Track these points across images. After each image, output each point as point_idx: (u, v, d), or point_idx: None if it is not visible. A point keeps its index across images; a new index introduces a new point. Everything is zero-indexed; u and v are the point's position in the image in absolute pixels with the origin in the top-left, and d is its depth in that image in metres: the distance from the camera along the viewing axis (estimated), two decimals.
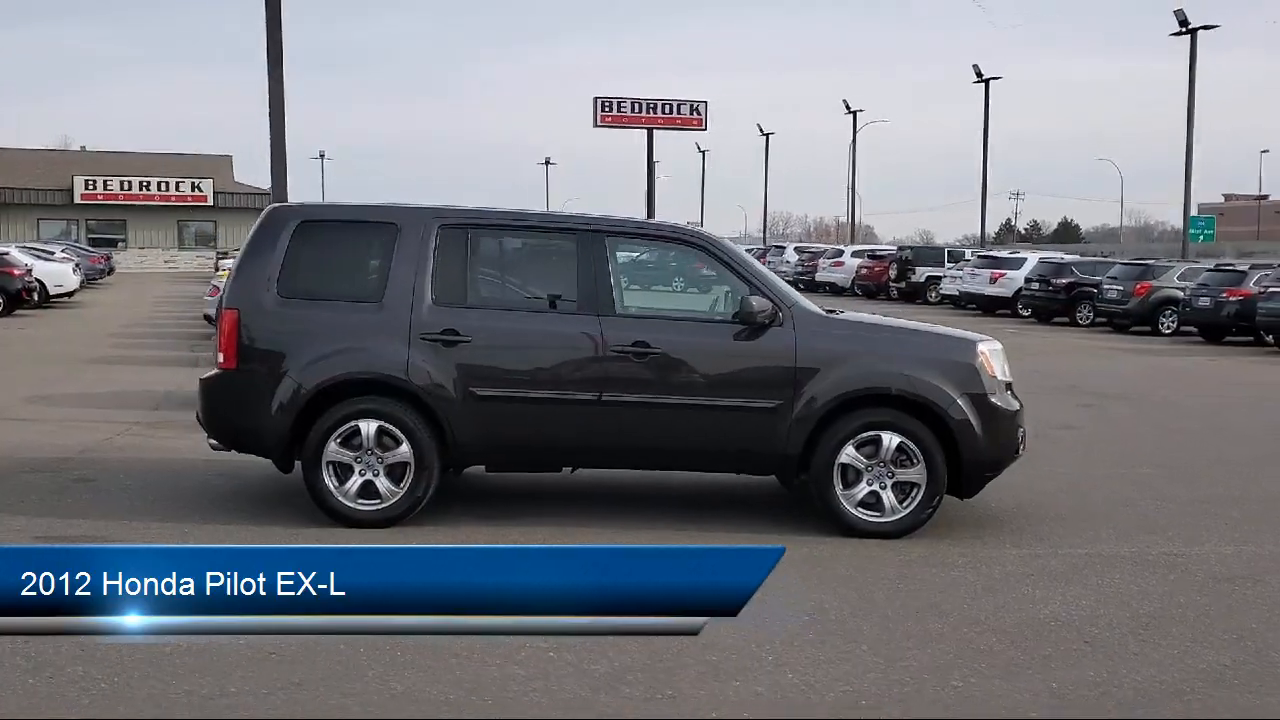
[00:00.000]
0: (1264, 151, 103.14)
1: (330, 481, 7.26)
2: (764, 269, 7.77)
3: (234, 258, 8.37)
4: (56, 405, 12.79)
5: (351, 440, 7.24)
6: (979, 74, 47.47)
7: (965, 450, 7.23)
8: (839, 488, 7.24)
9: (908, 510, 7.24)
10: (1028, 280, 30.23)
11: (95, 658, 4.89)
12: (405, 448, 7.23)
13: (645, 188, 51.63)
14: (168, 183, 56.90)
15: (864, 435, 7.23)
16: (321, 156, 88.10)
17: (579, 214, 7.91)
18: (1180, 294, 26.09)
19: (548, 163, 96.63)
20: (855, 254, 40.65)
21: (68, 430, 10.92)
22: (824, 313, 7.62)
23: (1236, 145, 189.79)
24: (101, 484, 8.49)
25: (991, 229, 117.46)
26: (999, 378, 7.43)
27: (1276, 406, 15.21)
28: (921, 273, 36.13)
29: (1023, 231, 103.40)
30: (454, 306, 7.36)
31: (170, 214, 58.04)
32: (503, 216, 7.83)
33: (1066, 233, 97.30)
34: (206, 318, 22.48)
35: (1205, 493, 8.90)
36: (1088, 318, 28.63)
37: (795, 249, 46.63)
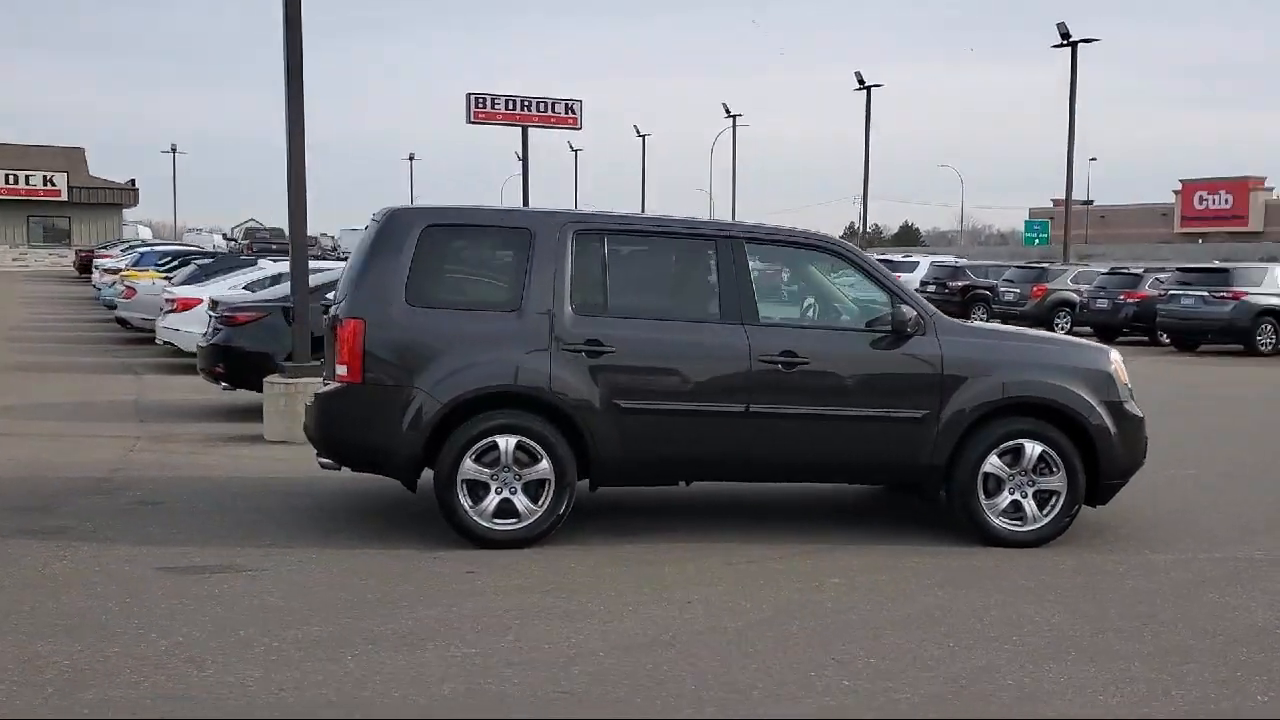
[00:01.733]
0: (1092, 159, 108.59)
1: (465, 501, 6.88)
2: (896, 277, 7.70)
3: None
4: (21, 417, 11.82)
5: (487, 457, 6.88)
6: (861, 81, 48.64)
7: (1103, 458, 7.30)
8: (982, 497, 7.23)
9: (1049, 519, 7.27)
10: (923, 283, 31.11)
11: None
12: (545, 464, 6.90)
13: (520, 185, 50.94)
14: (16, 175, 53.45)
15: (1007, 444, 7.24)
16: (173, 150, 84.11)
17: (714, 220, 7.70)
18: (1075, 296, 27.20)
19: (411, 158, 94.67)
20: None
21: (72, 446, 10.11)
22: (962, 322, 7.60)
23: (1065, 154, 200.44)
24: (172, 506, 7.86)
25: (835, 233, 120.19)
26: (1128, 384, 7.54)
27: (1218, 403, 15.89)
28: None
29: (866, 234, 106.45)
30: (595, 316, 7.06)
31: (20, 209, 54.57)
32: (638, 222, 7.54)
33: (907, 236, 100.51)
34: (121, 321, 21.27)
35: (1239, 494, 9.22)
36: (983, 320, 29.59)
37: None
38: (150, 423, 11.64)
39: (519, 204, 52.14)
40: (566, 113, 52.45)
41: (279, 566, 6.45)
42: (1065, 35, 36.66)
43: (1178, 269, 26.03)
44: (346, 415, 7.03)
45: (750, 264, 7.36)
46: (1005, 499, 7.26)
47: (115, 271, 26.33)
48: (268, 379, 10.75)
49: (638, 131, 75.79)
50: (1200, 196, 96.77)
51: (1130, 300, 25.40)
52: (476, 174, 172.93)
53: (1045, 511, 7.27)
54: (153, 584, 6.07)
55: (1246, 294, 23.18)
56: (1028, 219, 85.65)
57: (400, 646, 5.18)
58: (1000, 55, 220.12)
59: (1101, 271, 27.98)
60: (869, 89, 48.86)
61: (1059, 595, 6.24)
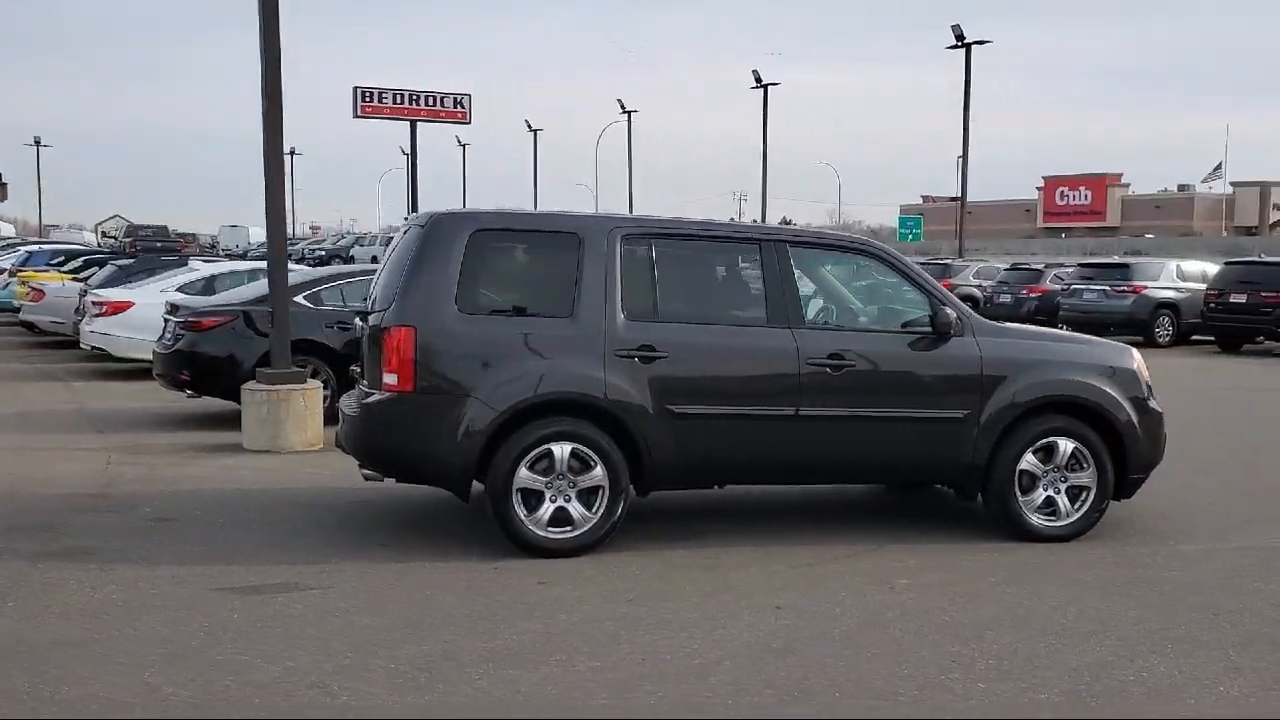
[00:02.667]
0: (959, 156, 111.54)
1: (520, 510, 6.77)
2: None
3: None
4: None
5: (540, 465, 6.78)
6: (758, 79, 49.12)
7: (1130, 453, 7.54)
8: (1019, 494, 7.40)
9: (1080, 514, 7.48)
10: None
11: None
12: (599, 471, 6.83)
13: (408, 180, 50.26)
14: None
15: (1041, 442, 7.42)
16: (37, 143, 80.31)
17: (757, 224, 7.71)
18: (978, 292, 28.00)
19: (292, 153, 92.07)
20: None
21: (40, 460, 9.62)
22: (995, 323, 7.76)
23: (935, 151, 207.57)
24: (189, 522, 7.54)
25: None
26: (1149, 382, 7.81)
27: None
28: None
29: None
30: (646, 320, 7.01)
31: None
32: (684, 226, 7.50)
33: None
34: (26, 325, 20.29)
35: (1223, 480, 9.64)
36: None
37: None
38: (109, 433, 11.13)
39: (406, 200, 51.45)
40: (456, 107, 51.79)
41: (341, 583, 6.25)
42: (960, 38, 37.75)
43: (1080, 264, 27.03)
44: (396, 425, 6.83)
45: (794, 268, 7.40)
46: (1040, 495, 7.44)
47: (3, 272, 25.13)
48: (247, 386, 10.38)
49: (529, 126, 75.32)
50: (1062, 192, 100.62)
51: (1032, 295, 26.27)
52: (363, 169, 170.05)
53: (1076, 507, 7.47)
54: (221, 606, 5.81)
55: (1145, 288, 24.21)
56: (900, 215, 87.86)
57: (521, 663, 5.07)
58: (870, 58, 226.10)
59: (1003, 267, 28.86)
60: (766, 87, 49.51)
61: (1118, 589, 6.42)
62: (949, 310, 7.34)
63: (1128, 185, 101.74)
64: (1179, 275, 24.96)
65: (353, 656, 5.13)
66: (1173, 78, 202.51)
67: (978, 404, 7.33)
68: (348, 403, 7.56)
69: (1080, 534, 7.46)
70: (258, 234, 70.08)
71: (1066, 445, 7.43)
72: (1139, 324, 24.01)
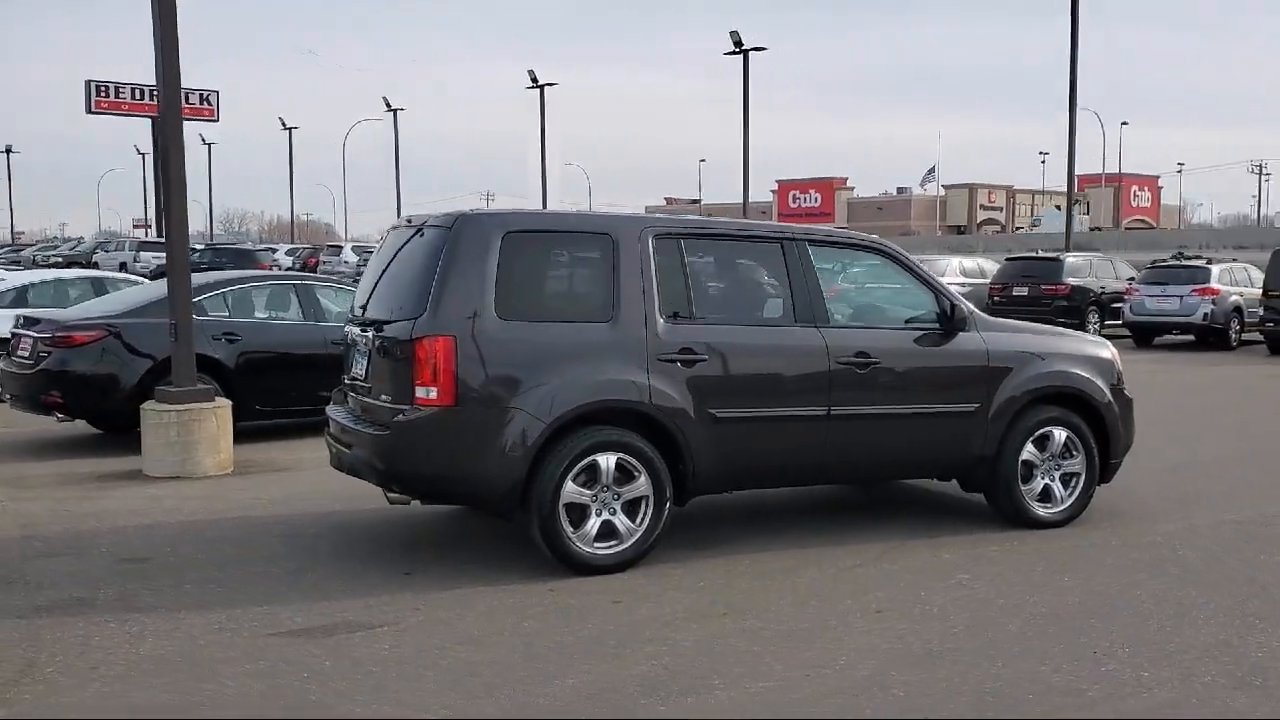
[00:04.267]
0: (702, 160, 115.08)
1: (567, 526, 6.41)
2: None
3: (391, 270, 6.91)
4: None
5: (584, 477, 6.44)
6: (534, 79, 48.63)
7: (1112, 439, 7.89)
8: (1021, 484, 7.62)
9: (1073, 499, 7.76)
10: None
11: None
12: (643, 480, 6.56)
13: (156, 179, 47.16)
14: None
15: (1039, 431, 7.66)
16: None
17: (776, 224, 7.56)
18: None
19: (9, 151, 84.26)
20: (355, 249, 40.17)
21: None
22: (992, 318, 7.95)
23: (678, 154, 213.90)
24: (165, 562, 6.75)
25: None
26: (1121, 370, 8.20)
27: None
28: None
29: None
30: (683, 323, 6.77)
31: None
32: (711, 225, 7.29)
33: None
34: None
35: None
36: None
37: (354, 248, 44.79)
38: (29, 461, 9.90)
39: (143, 202, 48.12)
40: (202, 103, 48.72)
41: (404, 616, 5.72)
42: (738, 44, 38.78)
43: None
44: (435, 443, 6.31)
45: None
46: (1039, 484, 7.67)
47: None
48: (150, 407, 9.40)
49: (283, 124, 71.97)
50: (794, 195, 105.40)
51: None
52: (92, 169, 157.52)
53: (1069, 493, 7.76)
54: (297, 652, 5.20)
55: None
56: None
57: (691, 688, 4.79)
58: (620, 60, 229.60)
59: None
60: (542, 87, 49.22)
61: (1161, 569, 6.64)
62: (961, 305, 7.47)
63: (852, 188, 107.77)
64: (962, 271, 26.58)
65: (507, 694, 4.70)
66: (890, 87, 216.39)
67: (986, 397, 7.49)
68: (344, 421, 6.95)
69: (1073, 519, 7.74)
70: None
71: (1060, 434, 7.70)
72: None
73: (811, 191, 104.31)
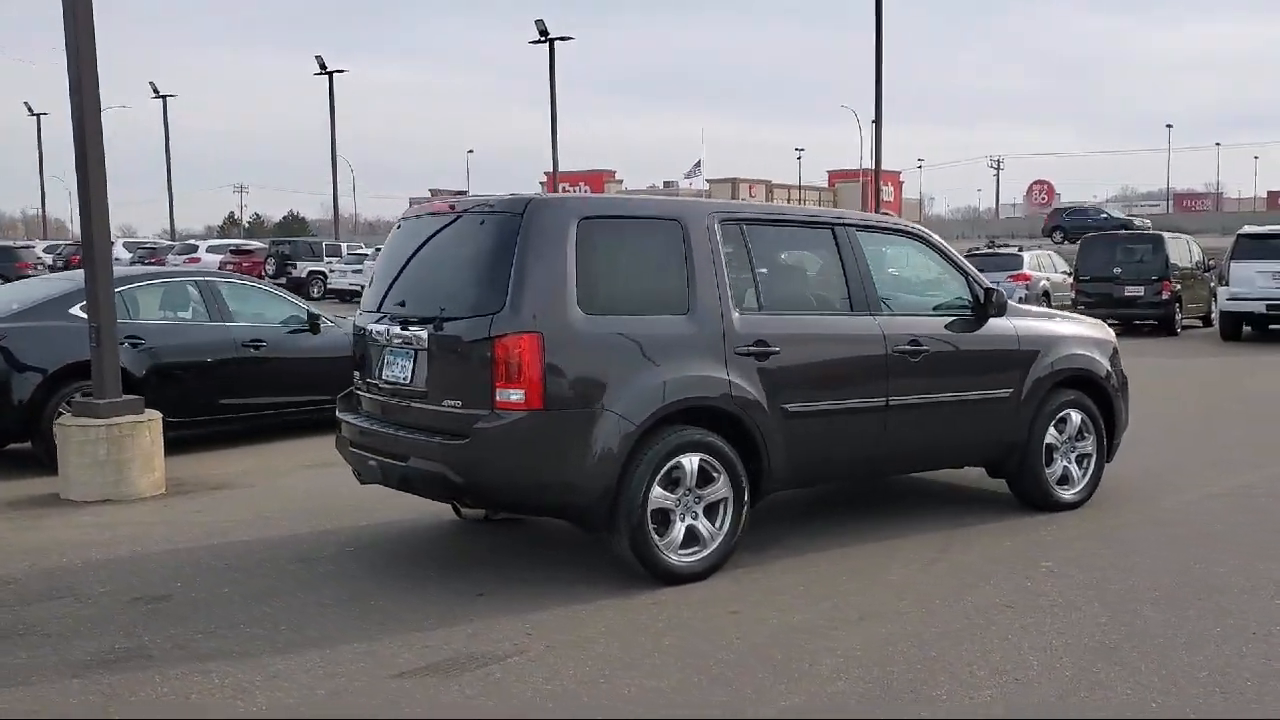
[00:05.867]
0: (470, 151, 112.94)
1: (654, 534, 5.96)
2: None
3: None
4: None
5: (667, 479, 6.01)
6: (323, 66, 46.23)
7: (1117, 420, 8.03)
8: (1045, 467, 7.63)
9: (1086, 480, 7.83)
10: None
11: None
12: (722, 481, 6.17)
13: None
14: None
15: (1059, 415, 7.69)
16: None
17: (824, 209, 7.24)
18: None
19: None
20: (212, 249, 37.65)
21: None
22: (1015, 304, 7.89)
23: (444, 145, 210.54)
24: (197, 600, 5.87)
25: (212, 221, 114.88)
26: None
27: None
28: (303, 267, 34.79)
29: (247, 224, 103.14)
30: (751, 313, 6.40)
31: None
32: (768, 211, 6.90)
33: (293, 225, 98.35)
34: None
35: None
36: None
37: (125, 245, 41.52)
38: None
39: None
40: None
41: (525, 644, 5.13)
42: (544, 33, 38.18)
43: None
44: (522, 451, 5.70)
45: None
46: (1059, 467, 7.69)
47: None
48: (68, 423, 8.25)
49: (30, 110, 66.14)
50: (564, 189, 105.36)
51: None
52: None
53: (1082, 474, 7.84)
54: (449, 694, 4.59)
55: None
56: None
57: (911, 697, 4.45)
58: (381, 50, 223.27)
59: None
60: (331, 74, 46.91)
61: (1211, 544, 6.74)
62: (995, 290, 7.40)
63: (621, 181, 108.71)
64: None
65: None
66: (654, 86, 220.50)
67: (1019, 381, 7.46)
68: (383, 429, 6.24)
69: (1087, 500, 7.82)
70: None
71: (1076, 417, 7.76)
72: None
73: (582, 184, 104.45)
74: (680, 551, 6.05)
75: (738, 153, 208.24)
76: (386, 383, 6.38)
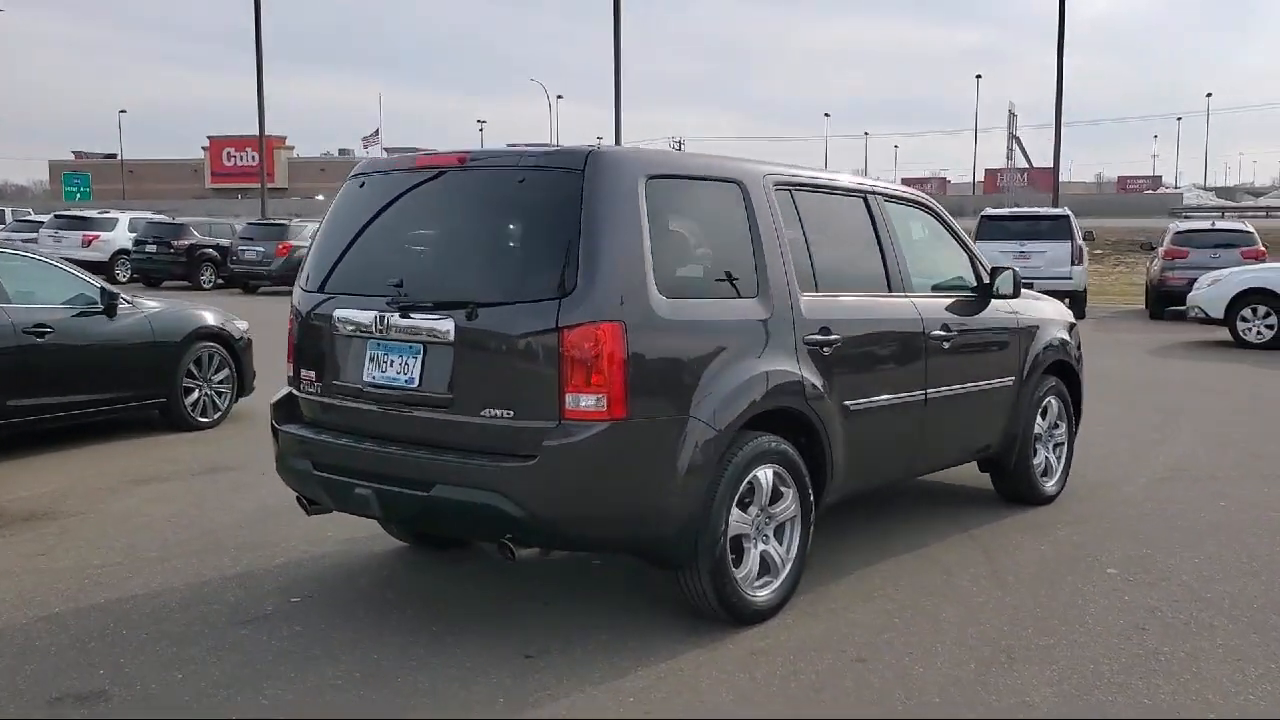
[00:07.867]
0: (122, 111, 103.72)
1: (732, 566, 4.89)
2: None
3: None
4: None
5: (743, 499, 4.96)
6: None
7: (1081, 403, 7.63)
8: (1032, 459, 7.10)
9: (1061, 470, 7.39)
10: (139, 243, 27.75)
11: None
12: (791, 497, 5.18)
13: None
14: None
15: (1044, 403, 7.18)
16: None
17: (855, 176, 6.24)
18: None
19: None
20: None
21: None
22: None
23: (91, 105, 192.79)
24: (132, 696, 4.25)
25: None
26: None
27: None
28: None
29: None
30: (812, 294, 5.40)
31: None
32: (816, 176, 5.81)
33: None
34: None
35: None
36: (211, 280, 27.36)
37: None
38: None
39: None
40: None
41: (662, 696, 3.98)
42: None
43: (247, 223, 28.97)
44: (605, 472, 4.45)
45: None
46: (1041, 457, 7.20)
47: None
48: None
49: None
50: (229, 153, 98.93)
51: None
52: None
53: (1059, 464, 7.37)
54: None
55: None
56: (66, 173, 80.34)
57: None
58: None
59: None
60: None
61: (1224, 533, 6.46)
62: (999, 269, 6.76)
63: (293, 148, 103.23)
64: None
65: None
66: (328, 49, 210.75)
67: (1020, 367, 6.89)
68: (379, 449, 4.80)
69: (1061, 491, 7.37)
70: None
71: (1055, 404, 7.30)
72: None
73: (249, 149, 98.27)
74: (755, 584, 5.02)
75: (417, 123, 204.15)
76: (373, 386, 4.91)
